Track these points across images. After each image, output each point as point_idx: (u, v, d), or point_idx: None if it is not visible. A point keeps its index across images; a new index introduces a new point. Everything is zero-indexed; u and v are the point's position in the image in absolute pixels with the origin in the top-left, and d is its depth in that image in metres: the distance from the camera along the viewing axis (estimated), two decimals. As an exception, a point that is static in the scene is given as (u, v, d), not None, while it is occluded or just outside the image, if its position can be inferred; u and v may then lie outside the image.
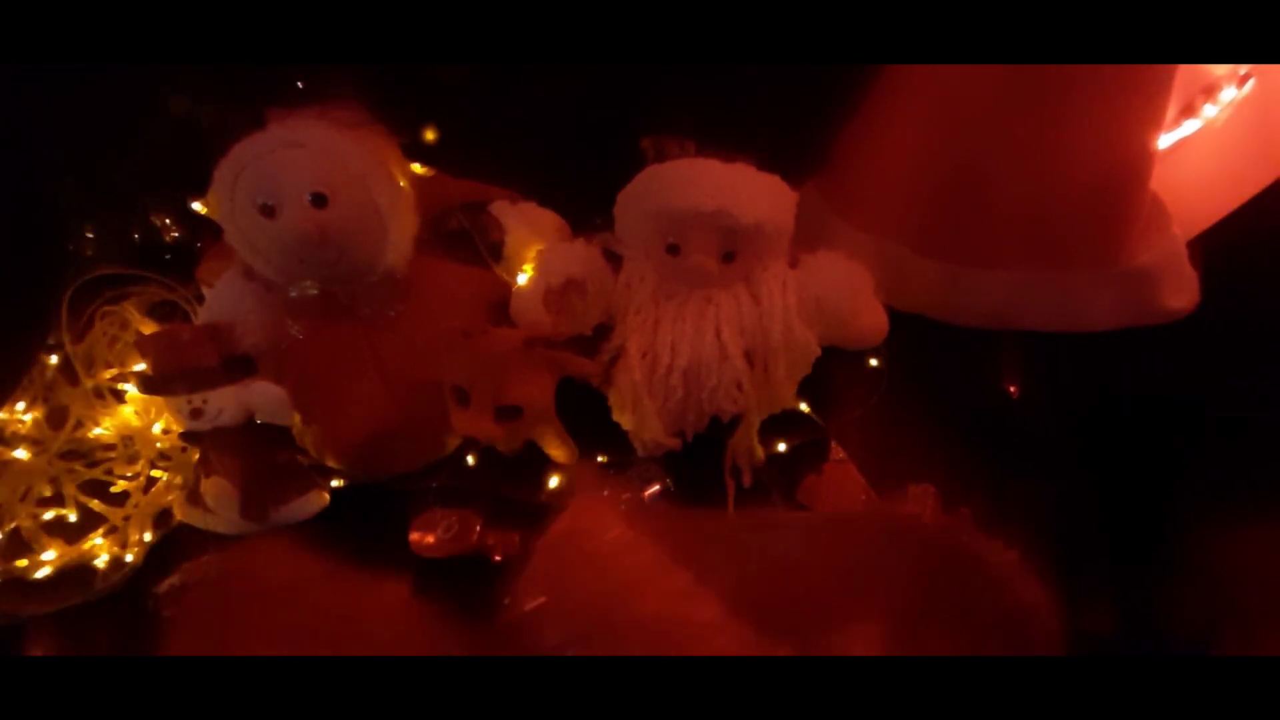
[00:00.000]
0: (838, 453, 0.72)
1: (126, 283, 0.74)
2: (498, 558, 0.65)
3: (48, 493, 0.69)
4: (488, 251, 0.71)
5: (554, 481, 0.69)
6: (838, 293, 0.63)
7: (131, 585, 0.64)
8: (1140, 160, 0.62)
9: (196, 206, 0.73)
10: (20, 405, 0.72)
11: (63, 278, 0.72)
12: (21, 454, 0.70)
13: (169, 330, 0.69)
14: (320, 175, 0.60)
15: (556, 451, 0.68)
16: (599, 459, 0.70)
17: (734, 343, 0.63)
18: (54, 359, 0.72)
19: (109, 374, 0.74)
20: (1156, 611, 0.63)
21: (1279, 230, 0.65)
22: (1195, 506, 0.64)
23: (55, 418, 0.72)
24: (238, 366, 0.65)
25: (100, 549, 0.66)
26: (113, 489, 0.70)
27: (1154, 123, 0.62)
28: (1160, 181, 0.64)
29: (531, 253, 0.69)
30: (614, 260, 0.66)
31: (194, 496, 0.66)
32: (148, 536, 0.67)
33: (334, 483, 0.69)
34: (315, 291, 0.64)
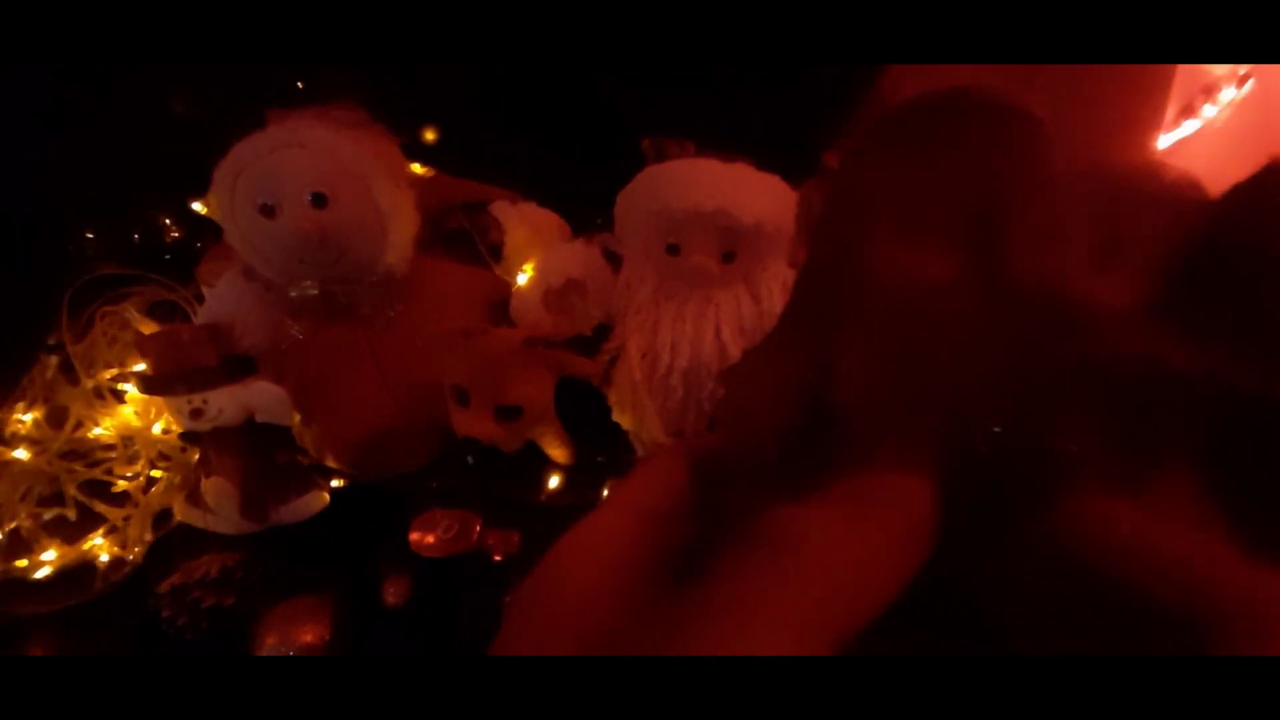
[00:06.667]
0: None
1: (126, 283, 0.74)
2: (498, 558, 0.65)
3: (48, 493, 0.69)
4: (488, 251, 0.71)
5: (554, 481, 0.69)
6: (838, 293, 0.63)
7: (131, 585, 0.64)
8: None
9: (196, 206, 0.74)
10: (20, 405, 0.72)
11: (63, 278, 0.71)
12: (21, 454, 0.70)
13: (169, 330, 0.69)
14: (320, 175, 0.60)
15: (556, 451, 0.68)
16: (599, 459, 0.70)
17: (734, 343, 0.63)
18: (54, 359, 0.72)
19: (109, 374, 0.74)
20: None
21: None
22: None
23: (55, 418, 0.72)
24: (238, 366, 0.65)
25: (100, 549, 0.66)
26: (113, 489, 0.70)
27: (1153, 123, 0.62)
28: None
29: (531, 253, 0.69)
30: (614, 260, 0.66)
31: (194, 496, 0.66)
32: (148, 536, 0.67)
33: (334, 483, 0.69)
34: (315, 291, 0.64)
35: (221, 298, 0.66)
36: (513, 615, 0.19)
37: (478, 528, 0.65)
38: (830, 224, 0.22)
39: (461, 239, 0.71)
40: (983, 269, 0.19)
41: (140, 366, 0.70)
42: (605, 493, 0.66)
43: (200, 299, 0.73)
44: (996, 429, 0.17)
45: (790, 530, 0.16)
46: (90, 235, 0.76)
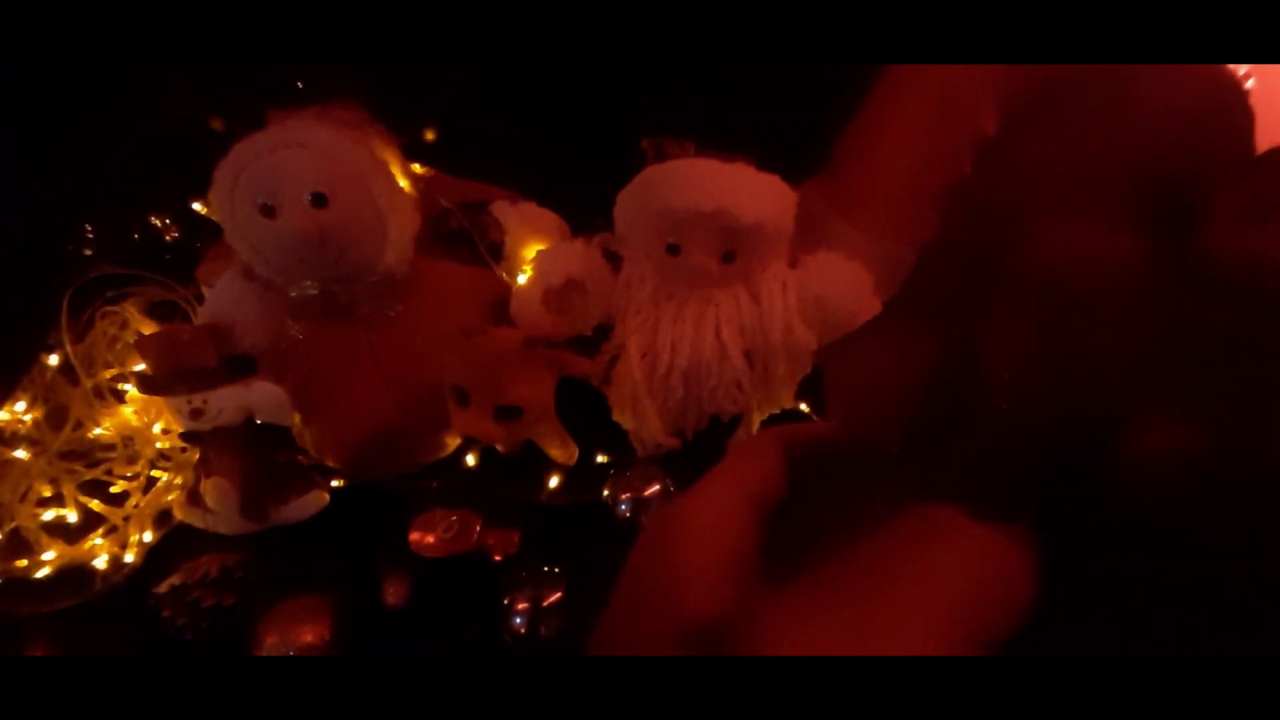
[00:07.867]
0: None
1: (126, 283, 0.74)
2: (498, 558, 0.65)
3: (48, 493, 0.69)
4: (488, 251, 0.71)
5: (554, 481, 0.69)
6: (838, 293, 0.63)
7: (131, 585, 0.64)
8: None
9: (196, 206, 0.74)
10: (20, 405, 0.72)
11: (63, 278, 0.71)
12: (21, 454, 0.70)
13: (169, 330, 0.69)
14: (320, 175, 0.60)
15: (556, 451, 0.68)
16: (599, 459, 0.70)
17: (734, 343, 0.63)
18: (54, 359, 0.72)
19: (109, 374, 0.74)
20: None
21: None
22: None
23: (55, 418, 0.72)
24: (238, 366, 0.65)
25: (100, 549, 0.66)
26: (113, 489, 0.70)
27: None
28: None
29: (531, 253, 0.69)
30: (614, 260, 0.66)
31: (194, 496, 0.66)
32: (148, 536, 0.67)
33: (334, 483, 0.69)
34: (315, 291, 0.64)
35: (221, 298, 0.66)
36: (619, 599, 0.18)
37: (478, 528, 0.65)
38: (981, 198, 0.20)
39: (461, 239, 0.71)
40: (1174, 249, 0.17)
41: (140, 366, 0.70)
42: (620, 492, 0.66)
43: (200, 299, 0.73)
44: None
45: (937, 532, 0.16)
46: (90, 235, 0.76)
